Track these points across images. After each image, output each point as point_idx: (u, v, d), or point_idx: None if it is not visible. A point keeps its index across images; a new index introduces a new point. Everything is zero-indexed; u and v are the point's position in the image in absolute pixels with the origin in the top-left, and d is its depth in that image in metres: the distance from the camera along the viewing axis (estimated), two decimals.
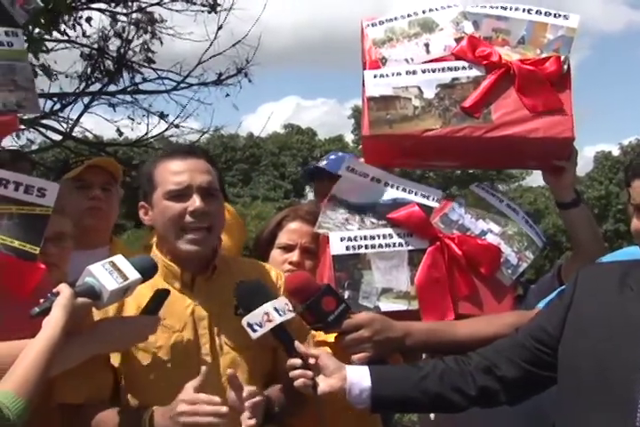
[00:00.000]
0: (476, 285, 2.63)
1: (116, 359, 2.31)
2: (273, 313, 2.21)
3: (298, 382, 2.20)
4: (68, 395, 2.26)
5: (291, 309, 2.27)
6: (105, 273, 2.07)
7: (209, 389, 2.19)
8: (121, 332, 2.17)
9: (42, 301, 2.02)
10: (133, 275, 2.11)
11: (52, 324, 1.94)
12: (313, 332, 2.52)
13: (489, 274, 2.64)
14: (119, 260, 2.13)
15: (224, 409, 2.09)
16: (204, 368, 2.19)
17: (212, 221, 2.35)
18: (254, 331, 2.22)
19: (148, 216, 2.42)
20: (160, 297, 2.25)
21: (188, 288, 2.40)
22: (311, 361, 2.23)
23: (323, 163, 3.68)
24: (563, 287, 2.34)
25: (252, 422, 2.17)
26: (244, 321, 2.23)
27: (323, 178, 3.42)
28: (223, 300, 2.37)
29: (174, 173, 2.35)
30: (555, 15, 2.77)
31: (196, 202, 2.31)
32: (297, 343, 2.25)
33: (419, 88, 2.68)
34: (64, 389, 2.24)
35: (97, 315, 2.25)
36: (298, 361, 2.21)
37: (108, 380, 2.32)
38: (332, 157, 3.71)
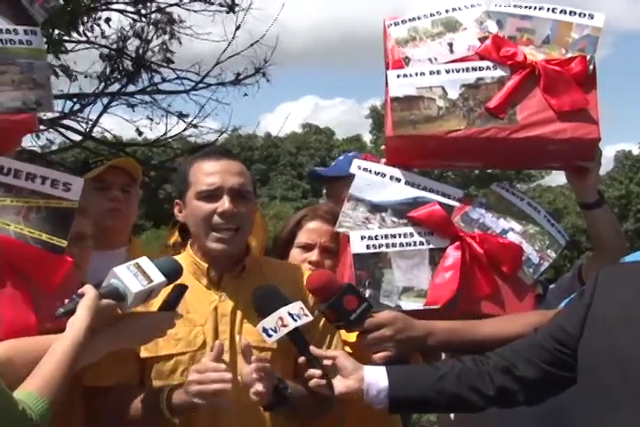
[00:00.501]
0: (498, 283, 2.62)
1: (140, 349, 2.36)
2: (287, 318, 2.23)
3: (312, 383, 2.21)
4: (100, 378, 2.31)
5: (307, 313, 2.28)
6: (130, 275, 2.08)
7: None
8: (138, 328, 2.18)
9: (67, 301, 2.04)
10: (158, 277, 2.12)
11: (77, 325, 1.95)
12: None
13: (510, 273, 2.62)
14: (144, 262, 2.14)
15: (227, 376, 2.14)
16: (217, 342, 2.24)
17: (240, 222, 2.40)
18: (269, 336, 2.24)
19: (181, 214, 2.49)
20: (178, 292, 2.26)
21: (214, 285, 2.45)
22: (328, 362, 2.24)
23: (325, 168, 3.71)
24: (583, 288, 2.32)
25: (260, 387, 2.18)
26: (260, 326, 2.25)
27: (332, 179, 3.43)
28: (248, 299, 2.38)
29: (207, 173, 2.41)
30: (580, 14, 2.74)
31: (225, 204, 2.36)
32: (312, 347, 2.27)
33: (443, 88, 2.67)
34: (95, 372, 2.27)
35: None
36: (317, 372, 2.22)
37: (135, 366, 2.38)
38: (341, 158, 3.72)
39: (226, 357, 2.33)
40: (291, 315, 2.23)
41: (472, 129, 2.62)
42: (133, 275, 2.08)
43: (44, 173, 2.38)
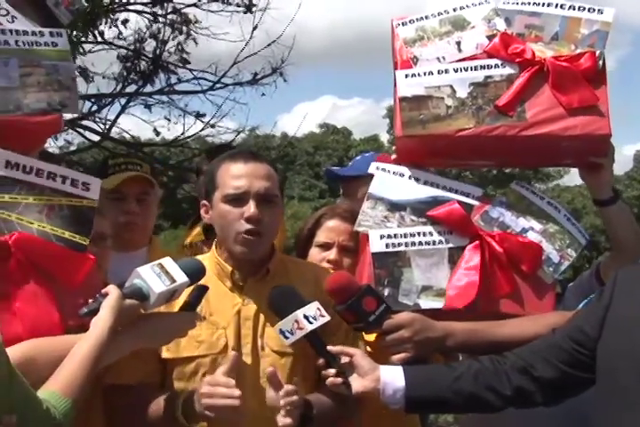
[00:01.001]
0: (518, 283, 2.60)
1: (161, 350, 2.36)
2: (303, 321, 2.24)
3: (328, 382, 2.22)
4: (122, 376, 2.32)
5: (324, 313, 2.28)
6: (153, 275, 2.09)
7: (248, 389, 2.23)
8: (160, 328, 2.18)
9: (90, 301, 2.05)
10: (181, 278, 2.12)
11: (100, 325, 1.96)
12: None
13: (530, 272, 2.61)
14: (168, 262, 2.15)
15: (237, 393, 2.12)
16: (231, 353, 2.25)
17: (265, 227, 2.39)
18: (286, 338, 2.25)
19: (208, 215, 2.49)
20: (199, 292, 2.27)
21: (237, 288, 2.44)
22: (346, 360, 2.25)
23: (341, 168, 3.72)
24: (602, 288, 2.31)
25: (288, 421, 2.18)
26: (277, 328, 2.26)
27: (349, 179, 3.44)
28: None
29: (234, 176, 2.40)
30: (589, 9, 2.72)
31: (251, 208, 2.36)
32: (330, 346, 2.28)
33: (451, 87, 2.66)
34: (116, 370, 2.28)
35: None
36: (333, 371, 2.23)
37: (156, 365, 2.39)
38: (358, 158, 3.73)
39: (248, 360, 2.35)
40: (306, 317, 2.24)
41: (481, 127, 2.61)
42: (157, 275, 2.09)
43: (64, 173, 2.40)
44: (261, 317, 2.41)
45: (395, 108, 2.73)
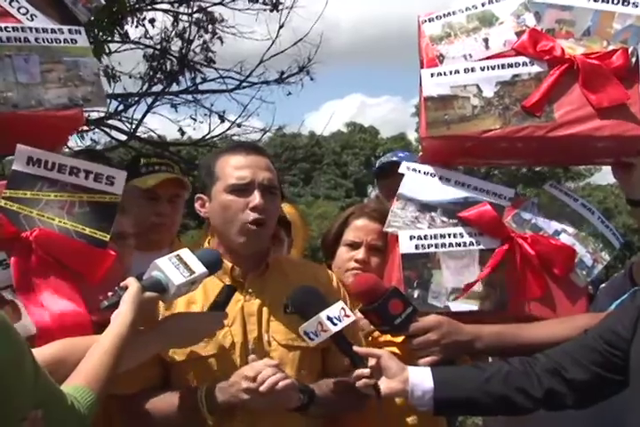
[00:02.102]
0: (549, 286, 2.59)
1: (166, 352, 2.34)
2: (326, 323, 2.23)
3: (359, 383, 2.21)
4: (122, 386, 2.28)
5: (348, 313, 2.28)
6: (171, 267, 2.11)
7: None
8: (189, 328, 2.20)
9: (110, 294, 2.06)
10: (200, 269, 2.14)
11: (121, 318, 1.97)
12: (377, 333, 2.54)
13: (562, 275, 2.60)
14: (185, 253, 2.16)
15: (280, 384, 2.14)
16: (252, 357, 2.24)
17: (269, 217, 2.40)
18: (311, 339, 2.25)
19: (204, 208, 2.48)
20: (228, 293, 2.29)
21: (238, 284, 2.43)
22: (372, 362, 2.24)
23: (393, 158, 3.69)
24: (636, 288, 2.29)
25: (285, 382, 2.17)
26: (301, 330, 2.26)
27: (387, 175, 3.43)
28: (274, 297, 2.41)
29: (237, 167, 2.40)
30: (623, 2, 2.67)
31: (256, 198, 2.36)
32: (356, 348, 2.27)
33: (477, 86, 2.64)
34: (116, 379, 2.26)
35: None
36: (366, 371, 2.22)
37: (157, 371, 2.37)
38: (401, 154, 3.72)
39: (256, 356, 2.33)
40: (330, 319, 2.24)
41: (508, 128, 2.59)
42: (175, 267, 2.11)
43: (88, 167, 2.43)
44: (265, 311, 2.41)
45: (420, 108, 2.71)
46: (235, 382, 2.19)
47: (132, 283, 2.05)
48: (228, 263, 2.43)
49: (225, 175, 2.41)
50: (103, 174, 2.43)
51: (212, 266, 2.20)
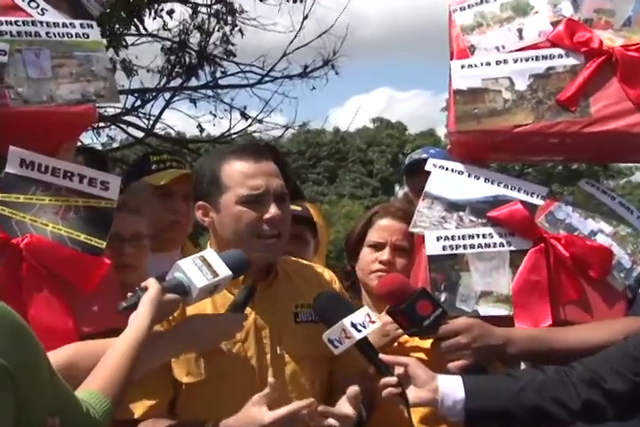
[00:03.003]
0: (585, 289, 2.56)
1: (180, 373, 2.30)
2: (350, 330, 2.22)
3: (385, 393, 2.20)
4: (124, 411, 2.20)
5: (374, 319, 2.26)
6: (195, 269, 2.10)
7: (274, 399, 2.18)
8: (208, 331, 2.19)
9: (129, 295, 2.06)
10: (224, 271, 2.13)
11: (139, 320, 1.97)
12: (406, 337, 2.53)
13: (599, 278, 2.57)
14: (210, 255, 2.16)
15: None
16: (271, 380, 2.17)
17: (283, 228, 2.37)
18: (335, 347, 2.23)
19: (208, 218, 2.40)
20: (247, 293, 2.28)
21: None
22: (400, 370, 2.23)
23: (424, 155, 3.69)
24: None
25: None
26: (325, 337, 2.24)
27: (417, 173, 3.41)
28: (283, 307, 2.41)
29: (248, 176, 2.34)
30: None
31: (272, 209, 2.32)
32: (383, 355, 2.26)
33: (510, 79, 2.63)
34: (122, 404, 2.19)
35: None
36: (392, 380, 2.21)
37: (166, 394, 2.31)
38: (432, 151, 3.71)
39: (270, 371, 2.32)
40: (354, 325, 2.22)
41: (541, 123, 2.58)
42: (198, 268, 2.10)
43: (82, 172, 2.45)
44: (276, 323, 2.39)
45: (449, 102, 2.70)
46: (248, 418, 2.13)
47: (152, 284, 2.05)
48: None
49: (235, 185, 2.33)
50: (97, 179, 2.45)
51: (238, 269, 2.19)
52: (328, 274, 2.59)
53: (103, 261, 2.39)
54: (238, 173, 2.35)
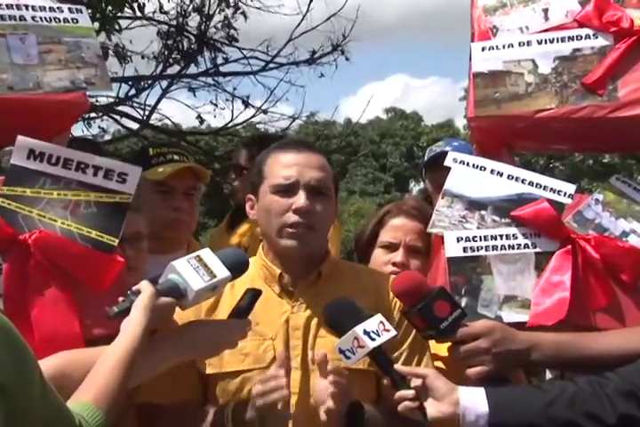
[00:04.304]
0: (616, 294, 2.56)
1: (202, 362, 2.39)
2: (363, 338, 2.21)
3: (401, 407, 2.20)
4: (155, 395, 2.34)
5: (388, 328, 2.26)
6: (190, 270, 2.10)
7: (296, 408, 2.28)
8: (207, 338, 2.20)
9: (121, 300, 2.07)
10: (222, 272, 2.14)
11: (132, 326, 1.97)
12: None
13: (632, 282, 2.57)
14: (206, 254, 2.16)
15: (283, 381, 2.19)
16: (280, 351, 2.29)
17: (316, 221, 2.41)
18: (347, 358, 2.24)
19: (253, 210, 2.53)
20: (251, 298, 2.28)
21: (287, 293, 2.46)
22: (417, 382, 2.23)
23: (447, 148, 3.70)
24: None
25: (331, 404, 2.19)
26: (336, 347, 2.25)
27: (440, 167, 3.42)
28: None
29: (284, 166, 2.44)
30: None
31: (300, 199, 2.39)
32: (398, 366, 2.27)
33: (533, 62, 2.66)
34: (150, 388, 2.31)
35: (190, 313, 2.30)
36: (409, 393, 2.20)
37: (194, 382, 2.42)
38: (455, 143, 3.72)
39: (296, 375, 2.36)
40: (367, 333, 2.22)
41: (565, 108, 2.60)
42: (194, 269, 2.10)
43: (97, 163, 2.44)
44: (312, 326, 2.42)
45: (469, 86, 2.73)
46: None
47: (145, 287, 2.06)
48: (276, 270, 2.47)
49: (272, 174, 2.46)
50: (115, 171, 2.44)
51: (236, 269, 2.20)
52: (389, 281, 2.55)
53: (116, 259, 2.39)
54: (277, 163, 2.46)
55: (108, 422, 1.79)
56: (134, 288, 2.08)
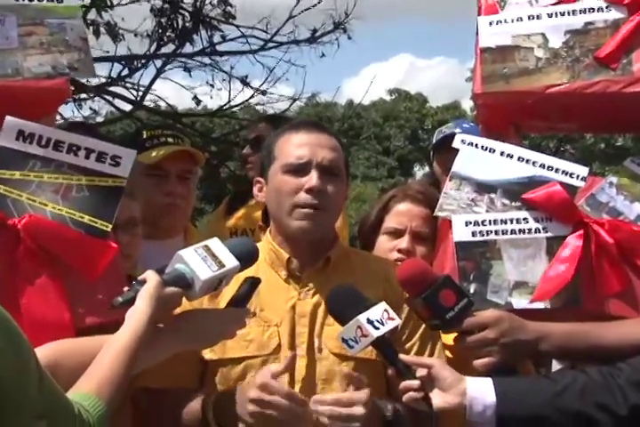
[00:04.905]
0: (631, 280, 2.57)
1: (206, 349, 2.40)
2: (367, 327, 2.23)
3: (406, 397, 2.21)
4: (154, 379, 2.36)
5: (393, 316, 2.28)
6: (198, 259, 2.10)
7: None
8: (204, 328, 2.21)
9: (126, 289, 2.07)
10: (230, 262, 2.14)
11: (137, 317, 1.98)
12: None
13: None
14: (215, 244, 2.17)
15: (300, 410, 2.16)
16: (290, 353, 2.28)
17: (327, 201, 2.44)
18: (351, 347, 2.25)
19: (262, 193, 2.55)
20: (250, 286, 2.29)
21: (294, 279, 2.48)
22: (423, 372, 2.24)
23: (456, 130, 3.71)
24: None
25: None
26: (339, 336, 2.26)
27: (449, 149, 3.43)
28: None
29: (296, 145, 2.48)
30: None
31: (312, 179, 2.41)
32: (403, 355, 2.28)
33: (543, 35, 2.66)
34: (150, 372, 2.28)
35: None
36: (414, 383, 2.22)
37: (196, 367, 2.45)
38: (465, 125, 3.73)
39: (302, 363, 2.38)
40: (371, 322, 2.23)
41: (577, 83, 2.61)
42: (202, 259, 2.11)
43: (90, 145, 2.44)
44: (320, 313, 2.44)
45: (475, 62, 2.73)
46: (244, 390, 2.24)
47: (150, 277, 2.06)
48: (284, 254, 2.49)
49: (282, 155, 2.49)
50: (108, 154, 2.44)
51: (246, 259, 2.21)
52: None
53: (110, 245, 2.40)
54: (287, 142, 2.50)
55: (110, 412, 1.79)
56: (140, 278, 2.08)
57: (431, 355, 2.48)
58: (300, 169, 2.44)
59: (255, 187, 2.58)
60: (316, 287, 2.46)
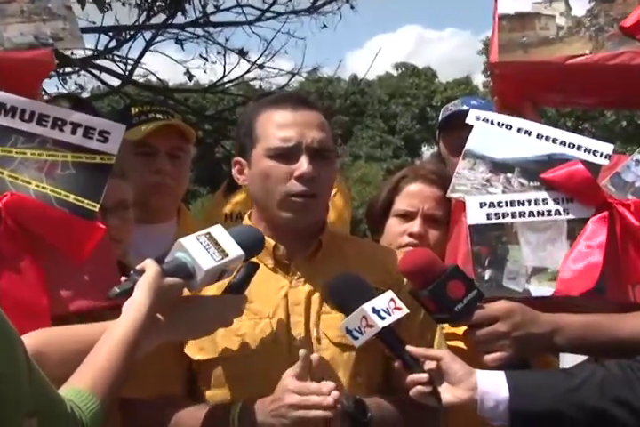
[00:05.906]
0: None
1: (192, 348, 2.38)
2: (372, 317, 2.23)
3: (413, 391, 2.21)
4: (135, 389, 2.29)
5: (400, 306, 2.28)
6: (200, 248, 2.11)
7: None
8: (199, 316, 2.20)
9: (123, 279, 2.09)
10: (234, 251, 2.15)
11: (135, 308, 1.98)
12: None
13: None
14: (218, 231, 2.17)
15: (330, 400, 2.14)
16: (302, 351, 2.24)
17: (319, 187, 2.41)
18: (355, 338, 2.26)
19: (243, 175, 2.50)
20: (247, 272, 2.29)
21: (283, 267, 2.46)
22: (431, 365, 2.25)
23: (463, 107, 3.70)
24: None
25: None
26: (343, 327, 2.27)
27: (456, 127, 3.41)
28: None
29: (281, 125, 2.41)
30: None
31: (303, 165, 2.37)
32: (410, 347, 2.27)
33: (566, 3, 2.67)
34: (133, 381, 2.24)
35: None
36: (422, 376, 2.21)
37: (179, 372, 2.42)
38: (474, 102, 3.72)
39: (300, 352, 2.34)
40: (377, 311, 2.23)
41: (600, 54, 2.61)
42: (204, 247, 2.11)
43: (76, 119, 2.43)
44: (315, 301, 2.42)
45: (492, 31, 2.73)
46: (278, 399, 2.20)
47: (149, 266, 2.06)
48: (270, 241, 2.45)
49: (267, 135, 2.42)
50: (95, 129, 2.43)
51: (251, 248, 2.21)
52: (395, 255, 2.58)
53: (97, 225, 2.39)
54: (271, 122, 2.43)
55: (104, 409, 1.80)
56: (138, 267, 2.08)
57: (430, 346, 2.46)
58: (287, 153, 2.38)
59: (234, 168, 2.52)
60: (308, 274, 2.44)
